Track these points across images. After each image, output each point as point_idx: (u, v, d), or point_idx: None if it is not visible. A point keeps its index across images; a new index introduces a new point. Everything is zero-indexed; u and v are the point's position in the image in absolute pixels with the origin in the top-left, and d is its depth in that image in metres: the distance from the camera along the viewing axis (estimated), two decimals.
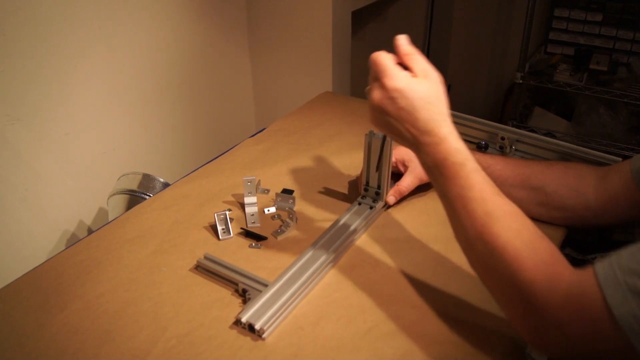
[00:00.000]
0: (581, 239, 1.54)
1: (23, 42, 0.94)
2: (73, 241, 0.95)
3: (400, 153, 0.81)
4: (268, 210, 0.80)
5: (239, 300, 0.64)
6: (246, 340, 0.58)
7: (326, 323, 0.60)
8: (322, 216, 0.79)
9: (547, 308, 0.47)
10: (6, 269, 0.97)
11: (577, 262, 1.49)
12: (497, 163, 0.75)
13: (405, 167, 0.81)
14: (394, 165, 0.80)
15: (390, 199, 0.79)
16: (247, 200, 0.80)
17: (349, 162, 0.92)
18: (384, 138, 0.74)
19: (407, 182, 0.80)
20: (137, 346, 0.58)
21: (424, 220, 0.77)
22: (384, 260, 0.70)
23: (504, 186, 0.74)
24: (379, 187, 0.79)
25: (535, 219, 0.74)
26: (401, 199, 0.82)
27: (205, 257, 0.69)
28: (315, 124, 1.06)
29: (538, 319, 0.48)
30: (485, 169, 0.74)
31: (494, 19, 2.09)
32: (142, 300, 0.64)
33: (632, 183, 0.66)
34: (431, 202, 0.81)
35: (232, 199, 0.83)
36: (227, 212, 0.75)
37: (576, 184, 0.71)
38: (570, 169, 0.74)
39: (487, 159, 0.76)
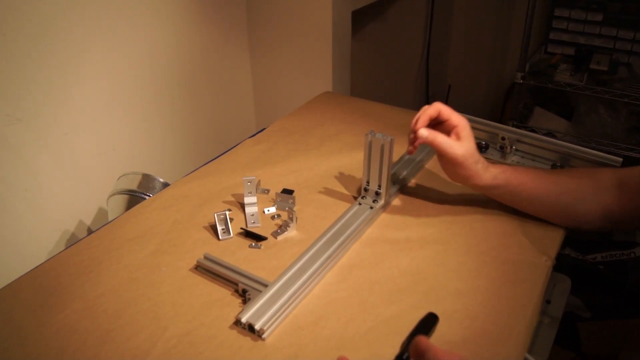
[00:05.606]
0: (581, 239, 1.54)
1: (23, 42, 0.94)
2: (73, 241, 0.95)
3: (465, 123, 0.74)
4: (268, 210, 0.80)
5: (239, 300, 0.64)
6: (246, 340, 0.58)
7: (326, 323, 0.60)
8: (322, 216, 0.79)
9: None
10: (6, 269, 0.97)
11: (577, 262, 1.50)
12: (530, 180, 0.74)
13: (458, 136, 0.73)
14: (450, 124, 0.74)
15: (425, 132, 0.72)
16: (247, 200, 0.80)
17: (349, 162, 0.92)
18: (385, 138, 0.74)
19: (449, 139, 0.72)
20: (137, 346, 0.58)
21: (424, 220, 0.77)
22: (384, 260, 0.70)
23: (534, 203, 0.75)
24: (379, 187, 0.79)
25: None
26: (404, 199, 0.81)
27: (205, 257, 0.69)
28: (315, 124, 1.06)
29: None
30: (516, 186, 0.74)
31: (494, 19, 2.09)
32: (142, 300, 0.64)
33: None
34: (431, 203, 0.81)
35: (232, 199, 0.83)
36: (227, 212, 0.75)
37: (604, 199, 0.72)
38: (599, 182, 0.73)
39: (519, 176, 0.74)
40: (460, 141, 0.73)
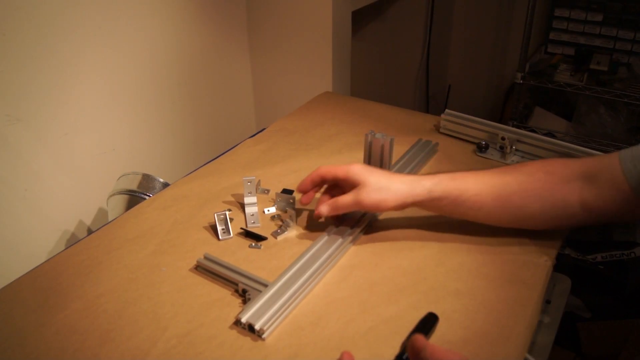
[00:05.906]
0: (581, 239, 1.54)
1: (23, 42, 0.94)
2: (73, 241, 0.95)
3: (353, 171, 0.69)
4: (268, 210, 0.80)
5: (239, 300, 0.64)
6: (246, 340, 0.58)
7: (326, 323, 0.60)
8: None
9: None
10: (6, 269, 0.97)
11: (577, 262, 1.50)
12: (470, 188, 0.68)
13: (354, 184, 0.69)
14: (340, 180, 0.71)
15: (324, 208, 0.70)
16: (247, 200, 0.80)
17: (349, 162, 0.91)
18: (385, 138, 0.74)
19: (347, 200, 0.69)
20: (137, 346, 0.58)
21: (424, 220, 0.77)
22: (384, 260, 0.70)
23: (481, 211, 0.69)
24: None
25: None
26: None
27: (205, 257, 0.69)
28: (315, 124, 1.06)
29: None
30: (458, 196, 0.68)
31: (494, 19, 2.09)
32: (142, 300, 0.64)
33: (626, 185, 0.63)
34: None
35: (232, 199, 0.83)
36: (227, 212, 0.75)
37: (561, 194, 0.66)
38: (554, 175, 0.67)
39: (459, 184, 0.68)
40: (360, 186, 0.68)
